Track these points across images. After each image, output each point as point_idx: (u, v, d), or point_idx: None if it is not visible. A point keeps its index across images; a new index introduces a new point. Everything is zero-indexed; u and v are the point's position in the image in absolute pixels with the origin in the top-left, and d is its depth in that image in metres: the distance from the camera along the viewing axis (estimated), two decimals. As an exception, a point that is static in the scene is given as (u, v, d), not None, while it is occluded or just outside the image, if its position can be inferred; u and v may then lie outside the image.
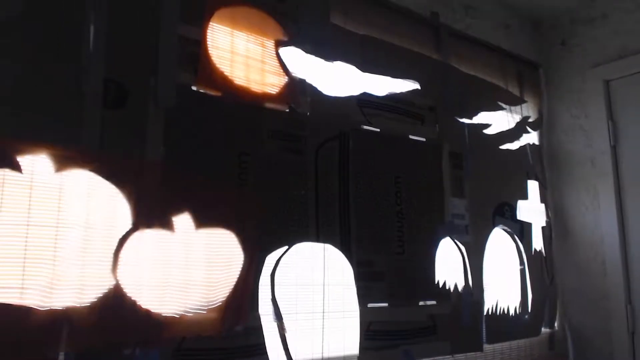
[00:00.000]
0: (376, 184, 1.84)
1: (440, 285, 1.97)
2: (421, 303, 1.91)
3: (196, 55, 1.48)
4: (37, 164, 1.18)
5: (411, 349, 1.81)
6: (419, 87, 2.06)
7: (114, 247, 1.26)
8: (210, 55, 1.51)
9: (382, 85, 1.95)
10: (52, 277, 1.17)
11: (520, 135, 2.53)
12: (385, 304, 1.78)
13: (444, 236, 2.02)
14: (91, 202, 1.24)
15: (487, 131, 2.36)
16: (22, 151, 1.16)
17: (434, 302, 1.93)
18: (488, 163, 2.31)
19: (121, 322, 1.24)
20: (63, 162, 1.21)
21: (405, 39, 2.09)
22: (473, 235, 2.14)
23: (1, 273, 1.11)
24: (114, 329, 1.23)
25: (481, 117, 2.34)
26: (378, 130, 1.90)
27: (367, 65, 1.90)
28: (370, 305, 1.73)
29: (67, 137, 1.23)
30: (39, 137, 1.19)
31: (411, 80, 2.05)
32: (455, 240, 2.07)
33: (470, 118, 2.28)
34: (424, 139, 2.05)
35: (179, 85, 1.43)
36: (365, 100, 1.88)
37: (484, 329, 2.10)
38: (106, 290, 1.23)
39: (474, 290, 2.08)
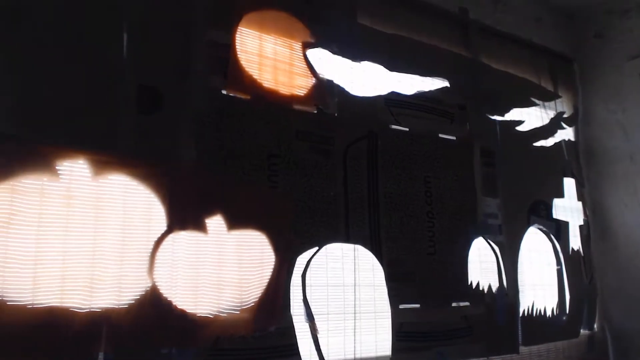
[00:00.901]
0: (405, 183, 1.83)
1: (474, 286, 1.93)
2: (454, 304, 1.88)
3: (226, 60, 1.51)
4: (75, 169, 1.22)
5: (445, 351, 1.79)
6: (448, 85, 2.04)
7: (150, 249, 1.29)
8: (240, 59, 1.54)
9: (410, 84, 1.94)
10: (91, 279, 1.20)
11: (555, 132, 2.46)
12: (417, 305, 1.76)
13: (476, 236, 1.99)
14: (127, 205, 1.27)
15: (520, 128, 2.31)
16: (61, 157, 1.21)
17: (467, 304, 1.90)
18: (522, 161, 2.25)
19: (158, 322, 1.27)
20: (100, 167, 1.25)
21: (433, 36, 2.06)
22: (507, 235, 2.09)
23: (43, 276, 1.15)
24: (151, 329, 1.26)
25: (513, 114, 2.29)
26: (407, 129, 1.88)
27: (394, 64, 1.89)
28: (401, 306, 1.72)
29: (104, 143, 1.27)
30: (76, 143, 1.23)
31: (440, 78, 2.03)
32: (489, 240, 2.03)
33: (502, 115, 2.24)
34: (454, 138, 2.02)
35: (209, 90, 1.46)
36: (393, 100, 1.87)
37: (519, 331, 2.05)
38: (143, 292, 1.26)
39: (509, 291, 2.03)
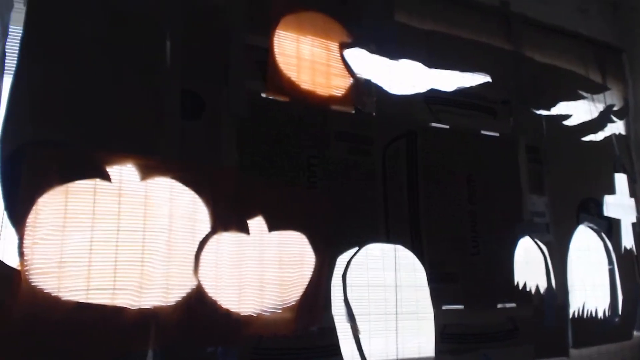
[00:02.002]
0: (447, 182, 1.80)
1: (520, 286, 1.87)
2: (500, 305, 1.83)
3: (264, 63, 1.53)
4: (124, 173, 1.28)
5: (490, 353, 1.74)
6: (490, 80, 1.99)
7: (195, 250, 1.33)
8: (278, 62, 1.56)
9: (451, 80, 1.90)
10: (141, 278, 1.25)
11: (605, 125, 2.35)
12: (461, 306, 1.73)
13: (522, 235, 1.93)
14: (173, 207, 1.32)
15: (567, 122, 2.22)
16: (111, 162, 1.26)
17: (513, 305, 1.85)
18: (570, 156, 2.16)
19: (203, 321, 1.30)
20: (147, 171, 1.29)
21: (473, 31, 2.02)
22: (555, 234, 2.01)
23: (96, 276, 1.21)
24: (197, 327, 1.30)
25: (560, 108, 2.21)
26: (447, 127, 1.85)
27: (433, 60, 1.86)
28: (445, 307, 1.69)
29: (150, 148, 1.32)
30: (125, 148, 1.29)
31: (481, 73, 1.98)
32: (536, 240, 1.96)
33: (548, 109, 2.16)
34: (497, 134, 1.97)
35: (249, 94, 1.49)
36: (432, 97, 1.84)
37: (569, 333, 1.97)
38: (189, 291, 1.30)
39: (558, 292, 1.96)
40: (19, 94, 1.19)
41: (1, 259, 1.15)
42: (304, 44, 1.62)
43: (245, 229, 1.41)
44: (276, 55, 1.56)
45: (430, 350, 1.65)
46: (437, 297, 1.67)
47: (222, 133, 1.43)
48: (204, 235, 1.34)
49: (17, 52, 1.22)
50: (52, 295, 1.15)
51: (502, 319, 1.82)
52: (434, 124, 1.83)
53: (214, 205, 1.37)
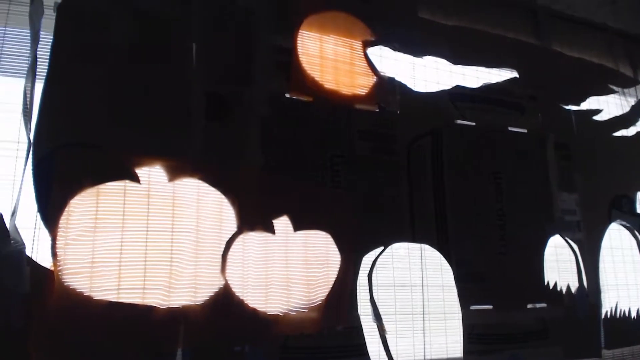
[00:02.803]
0: (474, 180, 1.76)
1: (551, 286, 1.83)
2: (530, 305, 1.79)
3: (288, 64, 1.53)
4: (153, 174, 1.30)
5: (520, 354, 1.71)
6: (517, 76, 1.95)
7: (222, 250, 1.34)
8: (301, 62, 1.56)
9: (476, 76, 1.88)
10: (170, 278, 1.27)
11: (637, 120, 2.28)
12: (490, 306, 1.70)
13: (552, 234, 1.88)
14: (200, 208, 1.33)
15: (597, 117, 2.16)
16: (140, 163, 1.29)
17: (544, 305, 1.80)
18: (601, 152, 2.10)
19: (231, 320, 1.32)
20: (175, 172, 1.31)
21: (498, 26, 1.98)
22: (586, 232, 1.96)
23: (127, 275, 1.23)
24: (224, 326, 1.31)
25: (590, 103, 2.15)
26: (473, 124, 1.82)
27: (458, 57, 1.83)
28: (472, 307, 1.66)
29: (177, 149, 1.33)
30: (153, 150, 1.31)
31: (508, 69, 1.94)
32: (566, 238, 1.91)
33: (577, 104, 2.10)
34: (525, 131, 1.93)
35: (272, 94, 1.49)
36: (458, 94, 1.81)
37: (602, 333, 1.92)
38: (217, 290, 1.31)
39: (590, 292, 1.91)
40: (51, 98, 1.22)
41: (35, 260, 1.18)
42: (327, 44, 1.62)
43: (270, 229, 1.41)
44: (299, 56, 1.56)
45: (458, 351, 1.62)
46: (465, 297, 1.65)
47: (247, 134, 1.44)
48: (230, 235, 1.36)
49: (48, 57, 1.25)
50: (85, 294, 1.18)
51: (532, 319, 1.78)
52: (459, 121, 1.80)
53: (239, 205, 1.38)
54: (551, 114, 2.00)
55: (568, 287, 1.86)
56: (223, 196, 1.37)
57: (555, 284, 1.84)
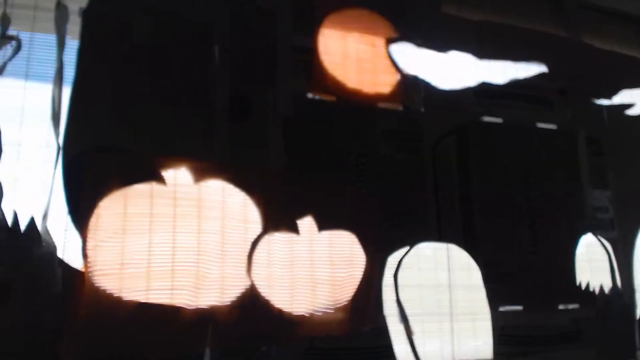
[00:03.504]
0: (501, 178, 1.73)
1: (583, 286, 1.78)
2: (561, 306, 1.74)
3: (309, 63, 1.53)
4: (178, 176, 1.31)
5: (552, 356, 1.66)
6: (545, 70, 1.90)
7: (248, 250, 1.34)
8: (323, 61, 1.55)
9: (503, 71, 1.83)
10: (197, 278, 1.28)
11: (672, 113, 2.20)
12: (520, 307, 1.66)
13: (584, 232, 1.82)
14: (226, 209, 1.34)
15: (630, 111, 2.09)
16: (166, 165, 1.30)
17: (576, 306, 1.75)
18: (634, 147, 2.03)
19: (257, 320, 1.32)
20: (200, 173, 1.32)
21: (525, 19, 1.93)
22: (620, 230, 1.89)
23: (155, 276, 1.25)
24: (251, 326, 1.31)
25: (622, 97, 2.07)
26: (500, 120, 1.78)
27: (483, 52, 1.79)
28: (502, 308, 1.63)
29: (202, 151, 1.34)
30: (179, 152, 1.32)
31: (536, 63, 1.89)
32: (599, 237, 1.85)
33: (609, 98, 2.03)
34: (554, 126, 1.88)
35: (295, 94, 1.49)
36: (484, 90, 1.77)
37: (637, 335, 1.85)
38: (243, 290, 1.32)
39: (624, 292, 1.84)
40: (78, 102, 1.25)
41: (66, 261, 1.21)
42: (349, 42, 1.61)
43: (295, 229, 1.41)
44: (321, 55, 1.55)
45: (487, 353, 1.59)
46: (494, 297, 1.61)
47: (270, 134, 1.44)
48: (255, 236, 1.36)
49: (74, 63, 1.27)
50: (114, 295, 1.20)
51: (564, 320, 1.73)
52: (485, 118, 1.77)
53: (264, 206, 1.38)
54: (581, 109, 1.94)
55: (601, 287, 1.81)
56: (248, 197, 1.37)
57: (588, 284, 1.79)
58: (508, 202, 1.72)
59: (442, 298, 1.58)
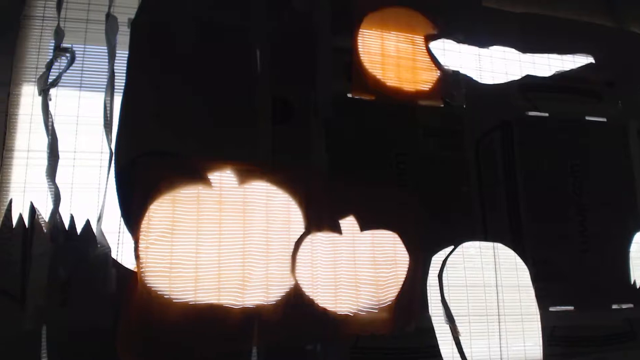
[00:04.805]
0: (549, 174, 1.67)
1: (638, 285, 1.70)
2: (614, 306, 1.67)
3: (349, 64, 1.53)
4: (224, 179, 1.34)
5: (605, 357, 1.60)
6: (592, 61, 1.82)
7: (291, 250, 1.36)
8: (362, 61, 1.55)
9: (548, 64, 1.78)
10: (243, 278, 1.31)
11: None
12: (571, 307, 1.61)
13: (638, 229, 1.75)
14: (269, 210, 1.36)
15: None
16: (212, 168, 1.34)
17: (630, 305, 1.68)
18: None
19: (302, 319, 1.33)
20: (244, 175, 1.35)
21: (570, 9, 1.87)
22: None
23: (202, 276, 1.28)
24: (296, 325, 1.33)
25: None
26: (546, 114, 1.72)
27: (527, 45, 1.75)
28: (552, 308, 1.58)
29: (246, 153, 1.37)
30: (223, 155, 1.35)
31: (583, 55, 1.82)
32: (654, 233, 1.77)
33: (662, 88, 1.94)
34: (604, 119, 1.81)
35: (335, 95, 1.49)
36: (528, 84, 1.73)
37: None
38: (287, 290, 1.34)
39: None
40: (128, 110, 1.30)
41: (120, 262, 1.26)
42: (388, 41, 1.60)
43: (337, 229, 1.42)
44: (360, 55, 1.55)
45: (537, 354, 1.55)
46: (544, 297, 1.56)
47: (311, 135, 1.45)
48: (298, 236, 1.37)
49: (124, 72, 1.32)
50: (165, 295, 1.24)
51: (618, 320, 1.66)
52: (531, 113, 1.72)
53: (306, 206, 1.39)
54: (632, 101, 1.86)
55: (658, 286, 1.73)
56: (290, 198, 1.38)
57: (643, 283, 1.71)
58: (556, 198, 1.67)
59: (489, 298, 1.55)
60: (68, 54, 1.33)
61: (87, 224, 1.23)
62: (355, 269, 1.41)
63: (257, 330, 1.29)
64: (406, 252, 1.46)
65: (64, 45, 1.34)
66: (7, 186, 1.31)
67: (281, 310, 1.31)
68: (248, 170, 1.35)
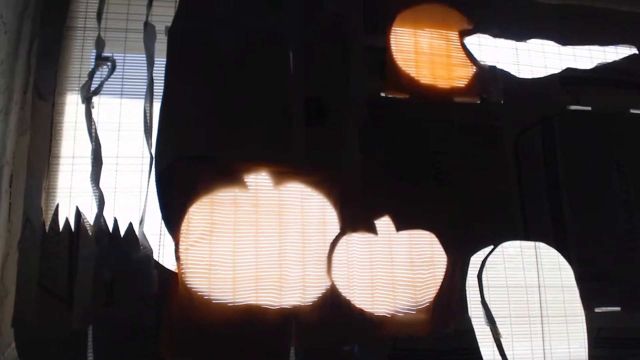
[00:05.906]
0: (593, 170, 1.61)
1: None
2: (665, 307, 1.59)
3: (382, 62, 1.52)
4: (259, 181, 1.36)
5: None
6: (636, 52, 1.74)
7: (327, 251, 1.36)
8: (396, 59, 1.54)
9: (589, 56, 1.71)
10: (280, 279, 1.32)
11: None
12: (617, 308, 1.54)
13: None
14: (304, 211, 1.37)
15: None
16: (247, 171, 1.35)
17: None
18: None
19: (339, 320, 1.33)
20: (280, 177, 1.36)
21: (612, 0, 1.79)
22: None
23: (240, 277, 1.30)
24: (334, 326, 1.33)
25: None
26: (589, 108, 1.66)
27: (567, 37, 1.69)
28: (598, 309, 1.52)
29: (281, 155, 1.38)
30: (259, 157, 1.37)
31: (626, 46, 1.75)
32: None
33: None
34: (649, 112, 1.73)
35: (369, 94, 1.48)
36: (569, 77, 1.66)
37: None
38: (324, 290, 1.34)
39: None
40: (167, 115, 1.33)
41: (162, 263, 1.29)
42: (421, 38, 1.58)
43: (373, 229, 1.41)
44: (394, 53, 1.54)
45: (582, 356, 1.49)
46: (589, 298, 1.50)
47: (346, 136, 1.44)
48: (334, 237, 1.37)
49: (162, 79, 1.36)
50: (205, 296, 1.27)
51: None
52: (572, 107, 1.66)
53: (341, 207, 1.39)
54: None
55: None
56: (325, 199, 1.39)
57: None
58: (601, 195, 1.61)
59: (531, 299, 1.51)
60: (109, 63, 1.38)
61: (130, 226, 1.27)
62: (392, 269, 1.40)
63: (294, 331, 1.30)
64: (444, 253, 1.44)
65: (105, 54, 1.38)
66: (54, 192, 1.37)
67: (318, 311, 1.32)
68: (283, 172, 1.37)
